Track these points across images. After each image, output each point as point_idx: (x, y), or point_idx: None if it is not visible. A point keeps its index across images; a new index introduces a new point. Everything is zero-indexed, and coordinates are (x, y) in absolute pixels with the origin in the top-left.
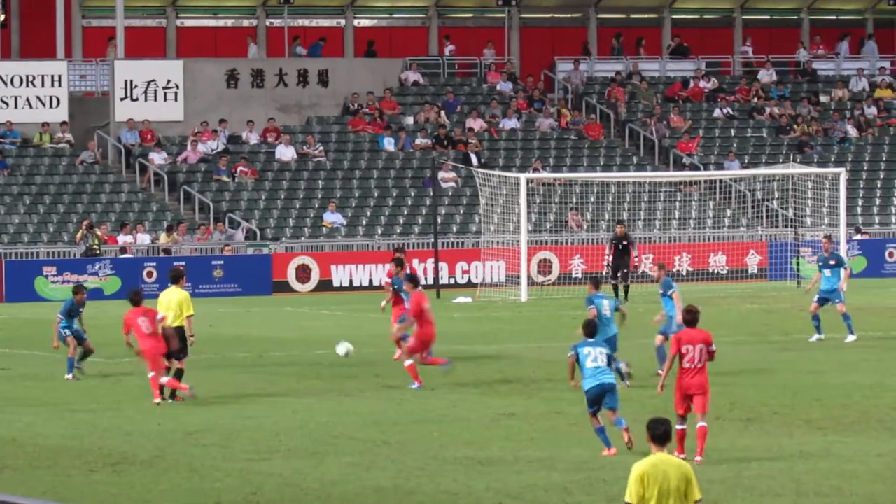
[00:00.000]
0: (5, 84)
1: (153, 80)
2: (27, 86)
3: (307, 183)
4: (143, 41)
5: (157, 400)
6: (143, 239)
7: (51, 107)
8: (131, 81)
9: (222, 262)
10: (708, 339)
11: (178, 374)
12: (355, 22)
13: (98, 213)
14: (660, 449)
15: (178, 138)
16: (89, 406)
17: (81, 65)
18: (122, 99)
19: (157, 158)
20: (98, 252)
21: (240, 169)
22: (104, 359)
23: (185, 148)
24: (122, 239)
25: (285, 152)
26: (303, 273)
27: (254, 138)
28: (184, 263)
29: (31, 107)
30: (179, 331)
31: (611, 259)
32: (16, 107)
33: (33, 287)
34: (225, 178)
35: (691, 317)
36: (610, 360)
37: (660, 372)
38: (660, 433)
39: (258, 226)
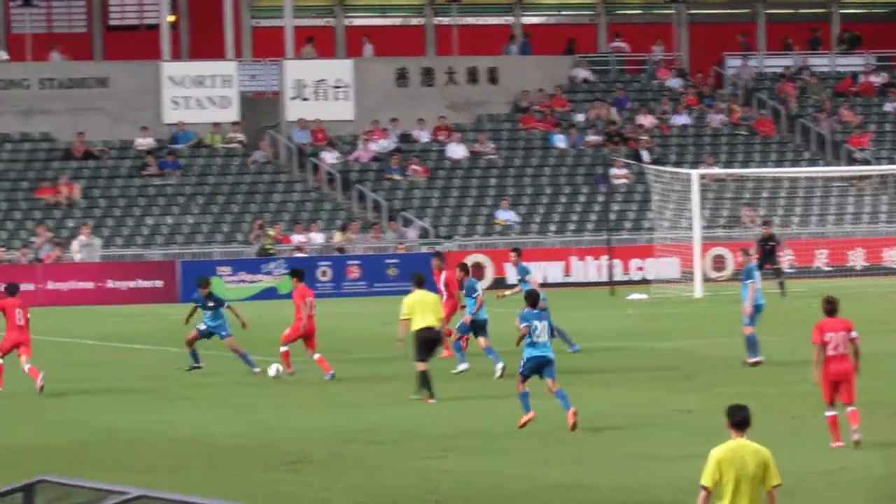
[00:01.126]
0: (176, 85)
1: (323, 80)
2: (198, 86)
3: (479, 181)
4: (313, 41)
5: None
6: (317, 238)
7: (222, 107)
8: (301, 81)
9: (396, 261)
10: (849, 327)
11: (426, 378)
12: (523, 20)
13: (271, 213)
14: (739, 435)
15: (349, 137)
16: (267, 405)
17: (251, 65)
18: (292, 99)
19: (329, 158)
20: (272, 251)
21: (412, 167)
22: (275, 357)
23: (356, 147)
24: (296, 238)
25: (457, 150)
26: (476, 271)
27: (425, 137)
28: (359, 262)
29: (202, 107)
30: (432, 331)
31: (757, 259)
32: (187, 108)
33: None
34: (397, 177)
35: (830, 307)
36: (552, 331)
37: (748, 360)
38: (738, 419)
39: (431, 224)
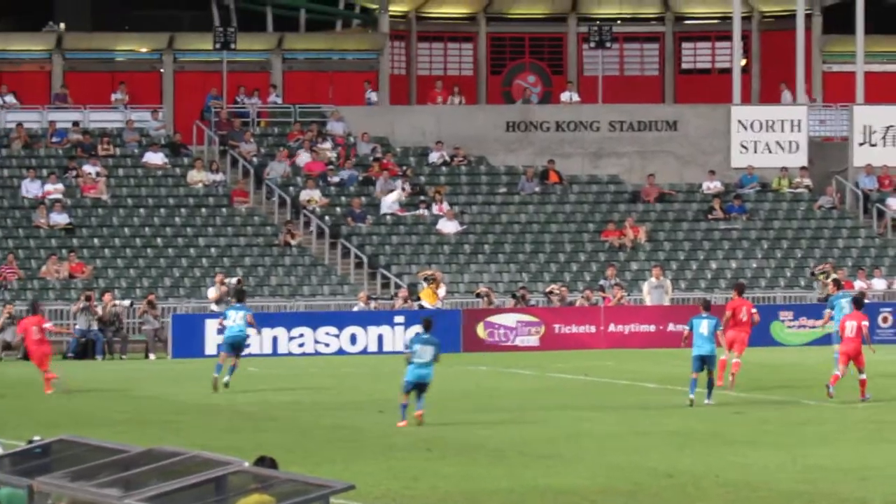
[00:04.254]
0: (745, 129)
1: (892, 126)
2: (767, 130)
3: None
4: (884, 86)
5: None
6: (879, 284)
7: (790, 151)
8: (870, 127)
9: None
10: None
11: None
12: None
13: (835, 259)
14: None
15: None
16: (822, 449)
17: (821, 110)
18: (860, 144)
19: (894, 204)
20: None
21: None
22: (840, 403)
23: None
24: (859, 284)
25: None
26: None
27: None
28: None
29: (770, 151)
30: None
31: None
32: (755, 151)
33: (769, 332)
34: None
35: None
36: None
37: None
38: None
39: None
